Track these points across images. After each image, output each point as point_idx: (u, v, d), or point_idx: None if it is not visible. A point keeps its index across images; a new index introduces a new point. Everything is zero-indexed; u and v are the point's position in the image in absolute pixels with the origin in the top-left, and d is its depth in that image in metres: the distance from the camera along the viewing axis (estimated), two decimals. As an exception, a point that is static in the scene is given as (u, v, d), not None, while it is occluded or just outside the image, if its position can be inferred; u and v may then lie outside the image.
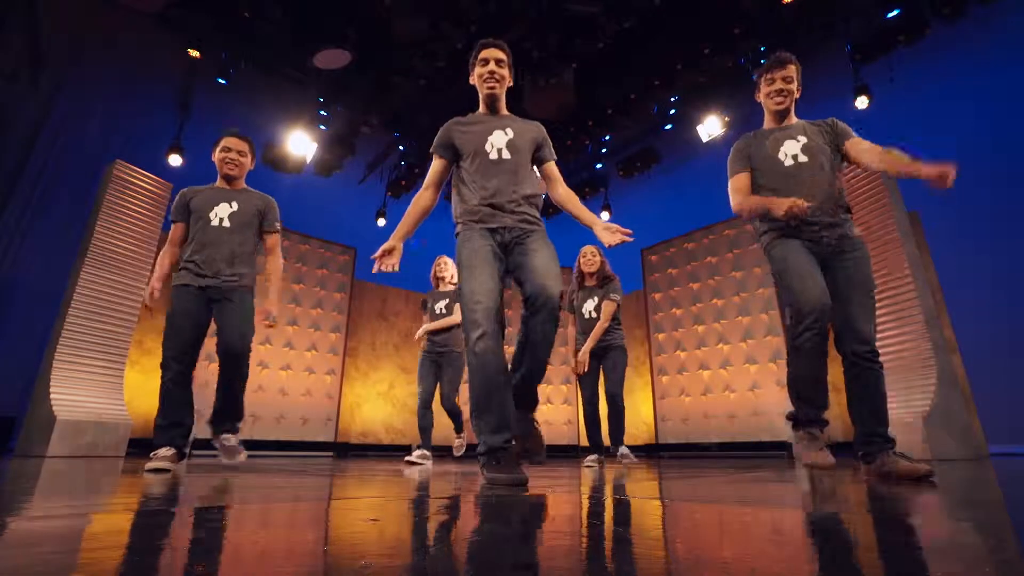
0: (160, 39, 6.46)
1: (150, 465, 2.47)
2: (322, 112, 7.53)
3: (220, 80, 6.71)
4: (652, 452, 6.71)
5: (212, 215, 2.77)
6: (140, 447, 5.28)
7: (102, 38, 6.39)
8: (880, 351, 4.78)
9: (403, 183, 8.75)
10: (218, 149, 2.86)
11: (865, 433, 2.13)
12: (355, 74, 6.88)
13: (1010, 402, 4.92)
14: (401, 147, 8.64)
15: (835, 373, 5.93)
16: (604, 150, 8.74)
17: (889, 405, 4.10)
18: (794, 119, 2.45)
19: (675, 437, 6.49)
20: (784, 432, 5.32)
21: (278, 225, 2.95)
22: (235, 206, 2.82)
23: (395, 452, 7.01)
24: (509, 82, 2.32)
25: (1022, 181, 5.40)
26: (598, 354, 4.01)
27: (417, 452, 4.14)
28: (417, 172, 8.55)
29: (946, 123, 6.05)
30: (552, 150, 2.37)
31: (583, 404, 4.08)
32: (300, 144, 7.27)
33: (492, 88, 2.25)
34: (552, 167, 2.34)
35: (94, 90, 6.37)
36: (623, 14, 6.01)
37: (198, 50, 6.50)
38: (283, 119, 7.36)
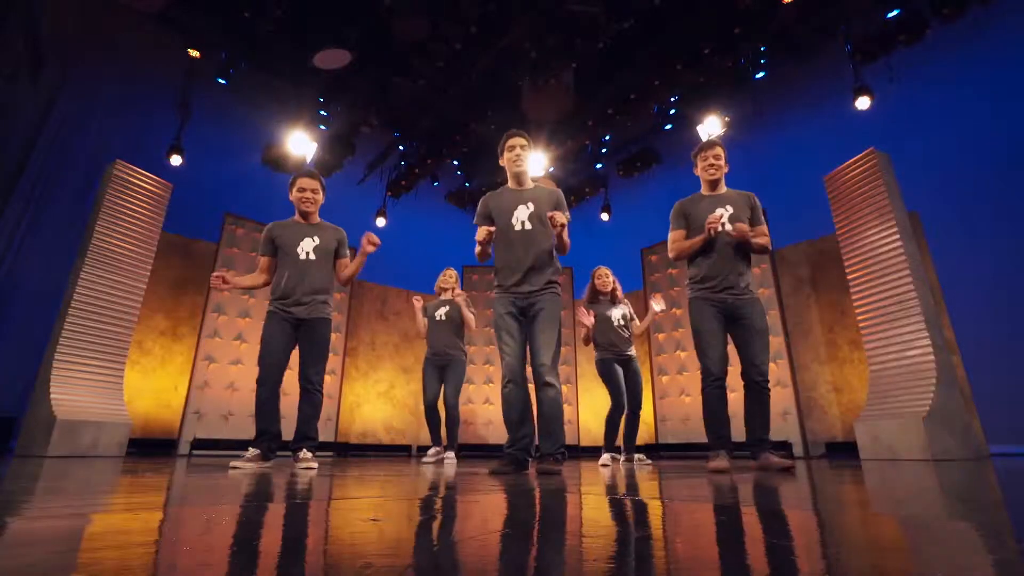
0: (160, 39, 6.46)
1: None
2: (322, 112, 7.52)
3: (220, 80, 6.71)
4: (652, 452, 6.70)
5: (299, 250, 3.18)
6: (140, 447, 5.29)
7: (102, 38, 6.39)
8: (880, 352, 4.78)
9: (403, 183, 8.75)
10: (294, 189, 3.25)
11: (753, 438, 2.93)
12: (355, 74, 6.88)
13: (1010, 402, 4.92)
14: (401, 147, 8.64)
15: (838, 374, 5.95)
16: (604, 150, 8.73)
17: (890, 405, 4.40)
18: (723, 188, 3.08)
19: (675, 437, 6.48)
20: (784, 432, 5.32)
21: (347, 252, 3.35)
22: (317, 240, 3.22)
23: (395, 452, 7.01)
24: (529, 159, 2.94)
25: (1022, 181, 5.40)
26: (623, 363, 4.26)
27: (433, 450, 4.54)
28: (417, 172, 8.55)
29: (946, 123, 6.05)
30: (567, 209, 2.85)
31: (612, 407, 4.22)
32: (300, 144, 7.26)
33: (518, 167, 2.88)
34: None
35: (94, 90, 6.37)
36: (623, 14, 6.01)
37: (198, 50, 6.50)
38: (283, 119, 7.36)
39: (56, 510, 1.16)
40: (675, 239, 3.06)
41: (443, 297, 4.82)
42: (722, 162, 3.02)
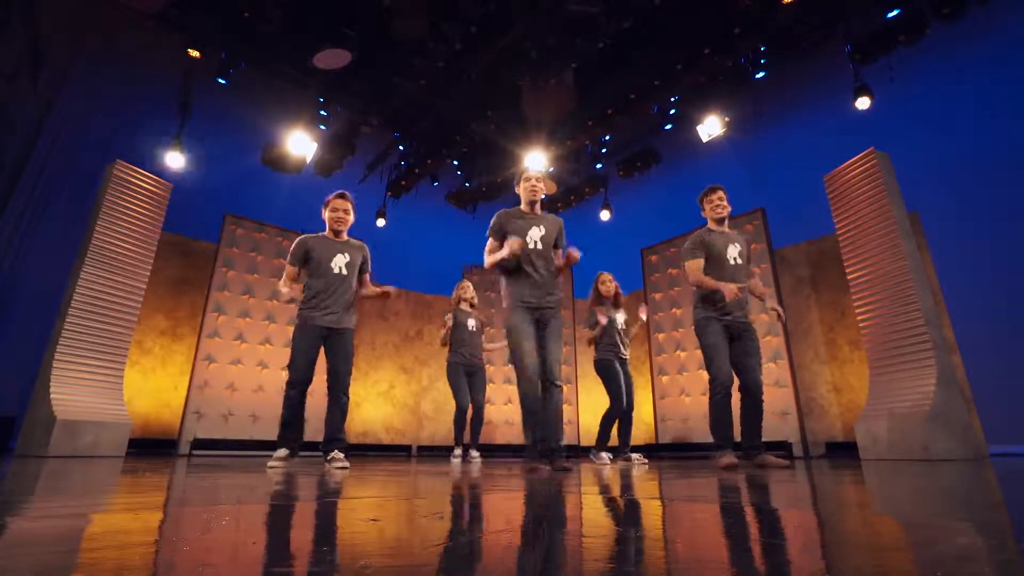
0: (160, 39, 6.46)
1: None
2: (322, 112, 7.52)
3: (220, 80, 6.70)
4: (652, 452, 6.70)
5: (333, 265, 3.40)
6: (140, 447, 5.29)
7: (102, 38, 6.39)
8: (880, 352, 4.79)
9: (403, 183, 8.74)
10: (328, 209, 3.50)
11: (748, 444, 3.27)
12: (355, 74, 6.87)
13: (1010, 402, 4.92)
14: (401, 147, 8.63)
15: (838, 374, 5.95)
16: (604, 150, 8.72)
17: (890, 405, 4.53)
18: (727, 227, 3.58)
19: (675, 437, 6.48)
20: (784, 432, 5.32)
21: (370, 268, 3.65)
22: (348, 257, 3.46)
23: (395, 452, 7.01)
24: (543, 191, 3.31)
25: (1022, 181, 5.40)
26: (621, 364, 4.48)
27: (459, 451, 4.83)
28: (417, 172, 8.55)
29: (946, 123, 6.05)
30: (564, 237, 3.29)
31: (613, 407, 4.40)
32: (300, 144, 7.25)
33: (534, 195, 3.21)
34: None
35: (94, 90, 6.37)
36: (623, 14, 6.00)
37: (198, 50, 6.49)
38: (283, 119, 7.35)
39: (56, 510, 1.16)
40: (697, 267, 3.45)
41: (464, 308, 5.06)
42: (725, 202, 3.53)
